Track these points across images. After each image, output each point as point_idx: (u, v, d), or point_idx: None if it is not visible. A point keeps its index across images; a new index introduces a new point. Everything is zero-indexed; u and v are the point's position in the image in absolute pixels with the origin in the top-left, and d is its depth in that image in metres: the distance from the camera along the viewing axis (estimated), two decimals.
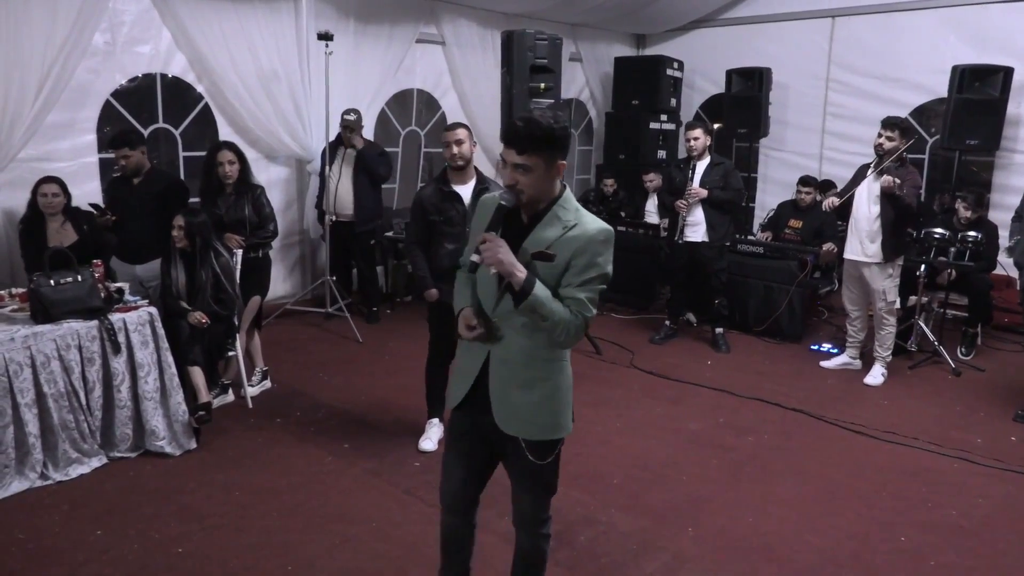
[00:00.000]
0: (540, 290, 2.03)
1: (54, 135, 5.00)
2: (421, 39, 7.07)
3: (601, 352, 5.66)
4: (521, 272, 2.02)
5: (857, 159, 6.02)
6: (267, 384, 4.80)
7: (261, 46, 5.87)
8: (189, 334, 4.09)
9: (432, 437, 4.00)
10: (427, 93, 7.38)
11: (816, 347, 5.85)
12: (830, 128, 7.93)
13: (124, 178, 4.57)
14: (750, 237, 7.03)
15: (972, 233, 5.39)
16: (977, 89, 6.33)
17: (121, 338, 3.75)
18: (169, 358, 3.93)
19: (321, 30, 5.68)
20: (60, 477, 3.56)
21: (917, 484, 3.75)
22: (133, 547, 3.04)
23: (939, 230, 5.44)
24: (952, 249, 5.38)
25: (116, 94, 5.33)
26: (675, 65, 8.49)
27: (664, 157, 8.42)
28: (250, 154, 5.50)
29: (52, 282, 3.61)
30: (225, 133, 5.88)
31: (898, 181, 4.68)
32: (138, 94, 5.51)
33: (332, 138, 6.04)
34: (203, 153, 4.85)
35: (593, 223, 2.10)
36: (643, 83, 8.41)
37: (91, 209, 4.54)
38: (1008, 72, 6.25)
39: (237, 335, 4.43)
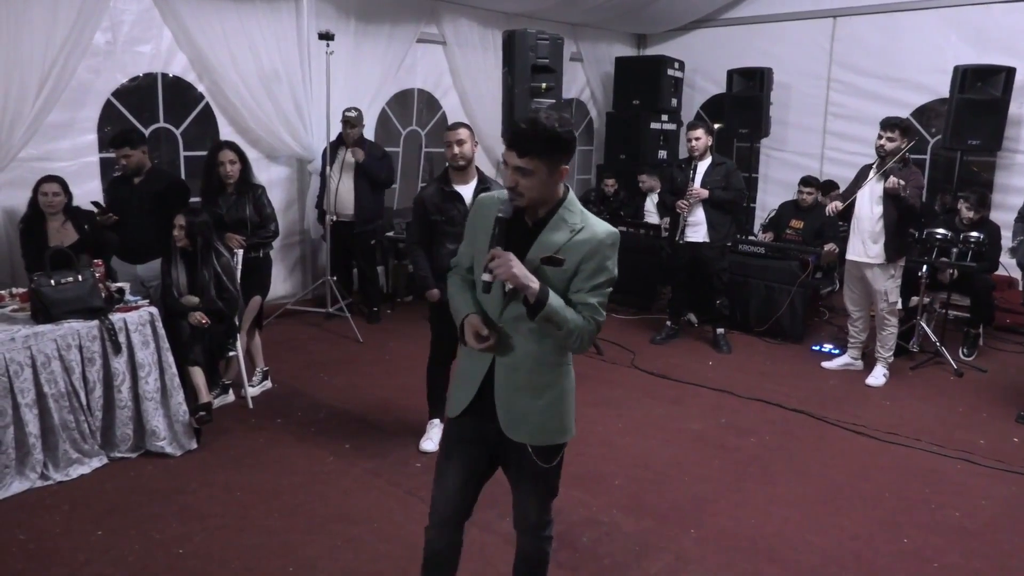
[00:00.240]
0: (554, 299, 2.00)
1: (55, 134, 4.99)
2: (422, 39, 7.06)
3: (602, 352, 5.65)
4: (535, 283, 1.98)
5: (859, 159, 6.02)
6: (268, 384, 4.79)
7: (262, 45, 5.86)
8: (190, 334, 4.08)
9: (433, 438, 3.99)
10: (428, 93, 7.37)
11: (817, 348, 5.84)
12: (831, 128, 7.92)
13: (125, 177, 4.57)
14: (751, 237, 7.02)
15: (974, 234, 5.38)
16: (979, 89, 6.32)
17: (122, 338, 3.74)
18: (170, 358, 3.92)
19: (322, 30, 5.67)
20: (61, 477, 3.55)
21: (919, 485, 3.74)
22: (134, 547, 3.03)
23: (941, 230, 5.43)
24: (954, 250, 5.37)
25: (117, 93, 5.32)
26: (676, 65, 8.48)
27: (665, 157, 8.41)
28: (251, 154, 5.49)
29: (53, 282, 3.60)
30: (226, 133, 5.87)
31: (903, 183, 4.67)
32: (139, 93, 5.50)
33: (333, 138, 6.03)
34: (204, 153, 4.84)
35: (600, 226, 2.08)
36: (644, 83, 8.39)
37: (92, 208, 4.54)
38: (1010, 72, 6.25)
39: (238, 335, 4.42)
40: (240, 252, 4.49)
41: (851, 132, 7.62)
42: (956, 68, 6.38)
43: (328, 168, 6.02)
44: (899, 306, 5.27)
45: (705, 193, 5.53)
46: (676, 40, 9.07)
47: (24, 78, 4.63)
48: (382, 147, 6.31)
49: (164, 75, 5.55)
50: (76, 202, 4.51)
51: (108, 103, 5.28)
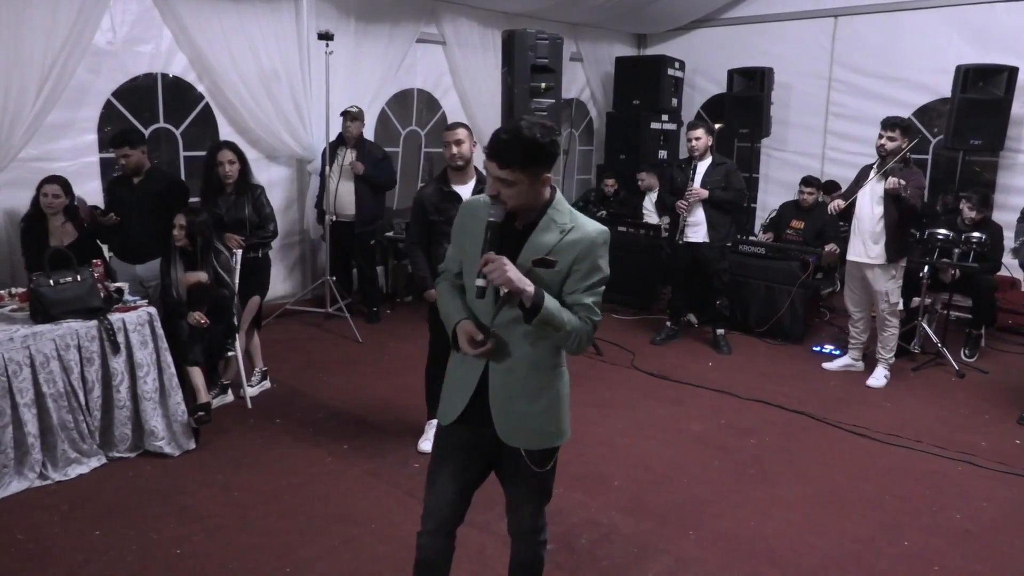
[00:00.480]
0: (550, 302, 1.98)
1: (55, 135, 4.98)
2: (422, 39, 7.05)
3: (602, 353, 5.64)
4: (530, 287, 1.96)
5: (860, 159, 6.00)
6: (267, 384, 4.78)
7: (262, 46, 5.85)
8: (188, 334, 4.08)
9: (432, 438, 3.97)
10: (427, 93, 7.37)
11: (818, 348, 5.82)
12: (832, 128, 7.90)
13: (124, 177, 4.56)
14: (752, 238, 7.01)
15: (976, 234, 5.36)
16: (981, 89, 6.31)
17: (120, 338, 3.73)
18: (168, 358, 3.92)
19: (322, 30, 5.66)
20: (59, 477, 3.55)
21: (921, 487, 3.73)
22: (132, 547, 3.03)
23: (942, 231, 5.41)
24: (956, 250, 5.35)
25: (117, 93, 5.31)
26: (676, 65, 8.46)
27: (665, 157, 8.39)
28: (251, 154, 5.49)
29: (52, 282, 3.60)
30: (226, 133, 5.86)
31: (904, 183, 4.66)
32: (139, 94, 5.50)
33: (333, 138, 6.03)
34: (204, 153, 4.84)
35: (590, 225, 2.06)
36: (644, 83, 8.38)
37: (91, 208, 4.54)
38: (1012, 72, 6.23)
39: (237, 335, 4.42)
40: (239, 252, 4.48)
41: (852, 132, 7.60)
42: (958, 68, 6.36)
43: (328, 168, 6.01)
44: (900, 307, 5.26)
45: (705, 193, 5.52)
46: (676, 40, 9.05)
47: (24, 78, 4.62)
48: (382, 147, 6.30)
49: (164, 75, 5.54)
50: (77, 202, 4.51)
51: (108, 103, 5.28)
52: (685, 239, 5.66)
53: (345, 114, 5.90)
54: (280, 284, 6.38)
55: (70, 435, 3.60)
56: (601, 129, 9.12)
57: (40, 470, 3.52)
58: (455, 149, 3.72)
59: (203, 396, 4.01)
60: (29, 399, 3.45)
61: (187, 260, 4.18)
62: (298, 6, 6.04)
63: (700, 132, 5.58)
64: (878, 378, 5.13)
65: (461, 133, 3.75)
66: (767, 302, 6.13)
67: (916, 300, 5.60)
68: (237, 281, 4.42)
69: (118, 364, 3.74)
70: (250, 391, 4.57)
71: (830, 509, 3.50)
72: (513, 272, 1.96)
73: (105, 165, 5.25)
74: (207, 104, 5.83)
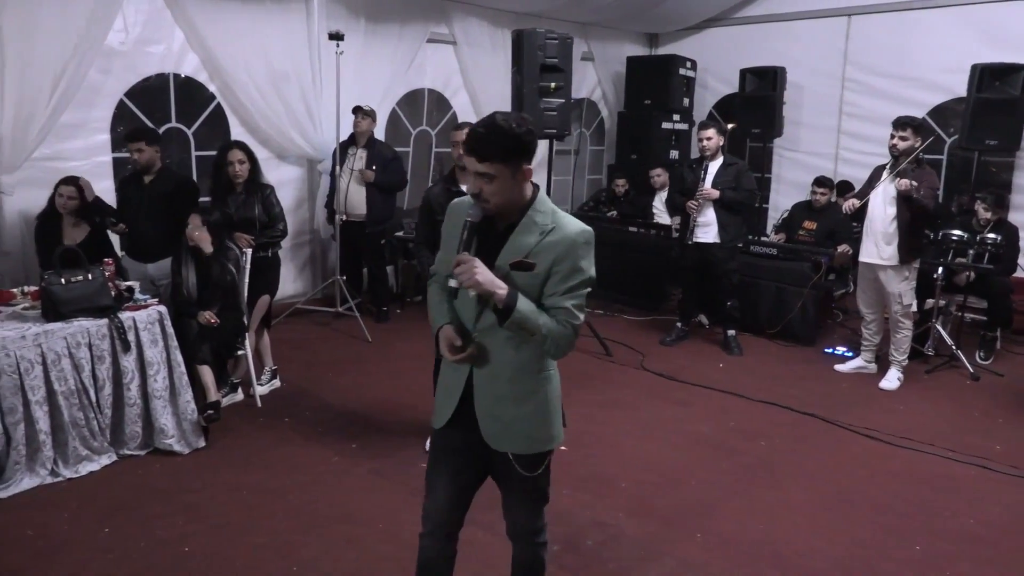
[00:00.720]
0: (524, 304, 1.94)
1: (68, 134, 5.02)
2: (432, 39, 7.06)
3: (611, 353, 5.62)
4: (502, 289, 1.93)
5: (873, 159, 5.94)
6: (276, 383, 4.80)
7: (272, 46, 5.88)
8: (198, 333, 4.10)
9: None
10: (438, 93, 7.37)
11: (830, 350, 5.78)
12: (846, 128, 7.84)
13: (136, 177, 4.59)
14: (763, 238, 6.96)
15: (991, 235, 5.30)
16: (997, 88, 6.22)
17: (131, 336, 3.76)
18: (178, 356, 3.94)
19: (332, 30, 5.67)
20: (70, 474, 3.57)
21: (932, 491, 3.69)
22: (139, 545, 3.04)
23: (957, 232, 5.36)
24: (971, 251, 5.29)
25: (129, 94, 5.35)
26: (688, 64, 8.43)
27: (676, 157, 8.36)
28: (261, 153, 5.51)
29: (63, 280, 3.63)
30: (237, 132, 5.89)
31: (915, 184, 4.61)
32: (151, 94, 5.53)
33: (343, 138, 6.04)
34: (215, 152, 4.86)
35: (572, 225, 2.01)
36: (655, 83, 8.36)
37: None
38: None
39: (246, 334, 4.44)
40: (249, 251, 4.50)
41: (866, 132, 7.53)
42: (973, 67, 6.28)
43: (338, 168, 6.03)
44: (914, 308, 5.21)
45: (716, 193, 5.50)
46: (688, 39, 9.01)
47: (38, 79, 4.66)
48: (392, 147, 6.31)
49: (176, 75, 5.58)
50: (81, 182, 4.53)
51: (121, 103, 5.31)
52: (695, 239, 5.64)
53: (357, 110, 5.91)
54: (290, 283, 6.41)
55: (81, 432, 3.63)
56: (612, 129, 9.10)
57: (51, 467, 3.54)
58: (463, 149, 3.71)
59: (212, 394, 4.04)
60: (41, 396, 3.48)
61: (197, 260, 4.20)
62: (309, 6, 6.06)
63: (711, 132, 5.55)
64: (891, 380, 5.09)
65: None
66: (778, 303, 6.09)
67: (930, 302, 5.54)
68: (247, 280, 4.44)
69: (129, 362, 3.77)
70: (260, 390, 4.59)
71: (838, 512, 3.47)
72: (483, 274, 1.93)
73: (117, 164, 5.29)
74: (218, 104, 5.86)
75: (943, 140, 7.26)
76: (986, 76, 6.23)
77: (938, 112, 7.22)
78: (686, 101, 8.51)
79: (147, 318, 3.83)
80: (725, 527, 3.31)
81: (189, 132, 5.81)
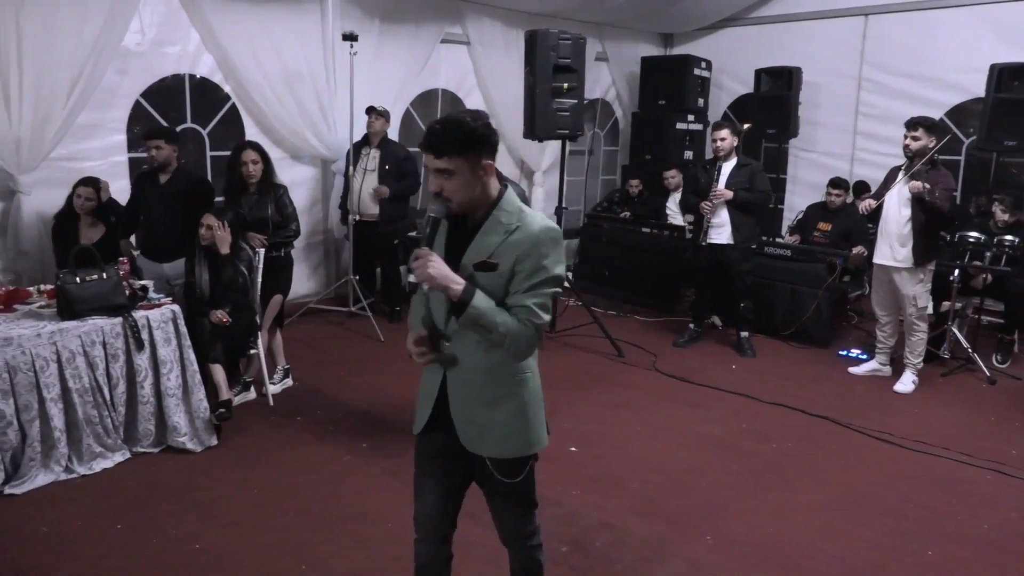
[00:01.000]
0: (480, 301, 1.91)
1: (85, 135, 5.08)
2: (446, 39, 7.07)
3: (623, 354, 5.60)
4: (456, 285, 1.90)
5: (890, 160, 5.90)
6: (289, 382, 4.83)
7: (287, 47, 5.92)
8: (211, 332, 4.13)
9: None
10: (451, 93, 7.38)
11: (844, 353, 5.74)
12: (862, 128, 7.77)
13: (152, 174, 4.63)
14: (777, 239, 6.92)
15: (1009, 237, 5.25)
16: (1016, 88, 6.14)
17: (145, 335, 3.79)
18: (191, 355, 3.97)
19: (347, 30, 5.70)
20: (84, 471, 3.61)
21: (947, 495, 3.65)
22: (151, 542, 3.07)
23: (974, 234, 5.30)
24: (988, 253, 5.23)
25: (145, 94, 5.40)
26: (703, 64, 8.39)
27: (691, 158, 8.32)
28: (275, 154, 5.55)
29: (78, 279, 3.66)
30: (251, 133, 5.93)
31: (928, 186, 4.56)
32: (166, 94, 5.58)
33: (357, 138, 6.07)
34: (229, 152, 4.90)
35: (536, 223, 1.97)
36: (670, 83, 8.32)
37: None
38: None
39: (259, 333, 4.47)
40: (261, 251, 4.53)
41: (882, 133, 7.46)
42: (992, 67, 6.20)
43: (351, 168, 6.05)
44: (929, 311, 5.15)
45: (729, 194, 5.47)
46: (703, 39, 8.97)
47: (55, 80, 4.72)
48: (405, 147, 6.33)
49: (191, 76, 5.63)
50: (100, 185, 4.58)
51: (137, 104, 5.37)
52: (709, 240, 5.61)
53: (370, 110, 5.94)
54: (304, 283, 6.44)
55: (95, 430, 3.67)
56: (626, 129, 9.07)
57: (66, 464, 3.58)
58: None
59: (224, 393, 4.07)
60: (56, 394, 3.52)
61: (211, 259, 4.24)
62: (323, 7, 6.09)
63: (725, 132, 5.52)
64: (906, 383, 5.04)
65: None
66: (792, 305, 6.04)
67: (946, 304, 5.49)
68: (260, 280, 4.47)
69: (142, 361, 3.80)
70: (272, 389, 4.62)
71: (850, 516, 3.44)
72: (436, 269, 1.90)
73: (133, 164, 5.34)
74: (233, 104, 5.91)
75: (961, 141, 7.18)
76: (1005, 76, 6.16)
77: (956, 112, 7.14)
78: (701, 101, 8.47)
79: (161, 317, 3.87)
80: (735, 529, 3.30)
81: (204, 132, 5.86)
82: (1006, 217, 5.49)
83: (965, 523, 3.40)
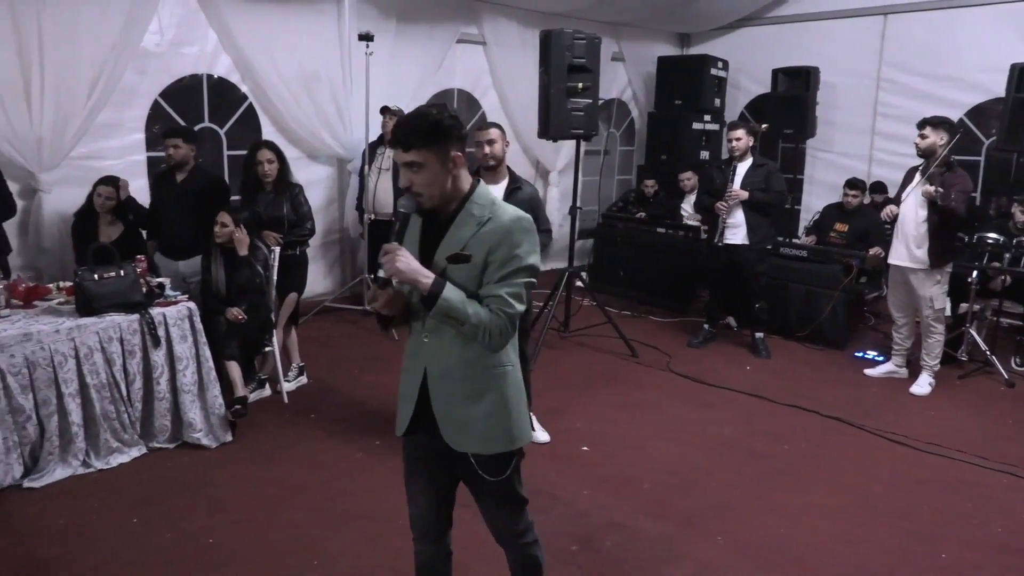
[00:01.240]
0: (451, 293, 1.91)
1: (104, 134, 5.16)
2: (462, 39, 7.10)
3: (637, 354, 5.59)
4: (426, 278, 1.91)
5: (908, 161, 5.82)
6: (303, 380, 4.87)
7: (303, 47, 5.97)
8: (226, 329, 4.17)
9: None
10: (467, 93, 7.40)
11: (860, 354, 5.69)
12: (880, 129, 7.71)
13: (169, 174, 4.69)
14: (794, 240, 6.88)
15: None
16: None
17: (161, 332, 3.84)
18: (207, 352, 4.02)
19: (363, 31, 5.74)
20: (101, 465, 3.66)
21: (961, 499, 3.61)
22: (166, 536, 3.11)
23: (993, 235, 5.25)
24: (1007, 255, 5.17)
25: (163, 94, 5.47)
26: (719, 64, 8.35)
27: (707, 158, 8.29)
28: (292, 153, 5.59)
29: (96, 276, 3.72)
30: (268, 132, 5.99)
31: (940, 191, 4.52)
32: (184, 94, 5.65)
33: (373, 138, 6.10)
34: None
35: (509, 213, 1.98)
36: (686, 83, 8.29)
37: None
38: None
39: (274, 331, 4.50)
40: (277, 249, 4.57)
41: (901, 133, 7.36)
42: (1013, 66, 6.13)
43: (367, 168, 6.09)
44: (947, 313, 5.10)
45: (745, 194, 5.44)
46: (720, 39, 8.93)
47: (76, 80, 4.80)
48: None
49: (209, 76, 5.69)
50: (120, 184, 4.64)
51: (155, 103, 5.44)
52: (724, 241, 5.59)
53: (385, 110, 5.97)
54: (319, 281, 6.49)
55: (112, 425, 3.72)
56: (642, 129, 9.05)
57: (83, 458, 3.64)
58: (487, 149, 3.74)
59: (239, 390, 4.11)
60: (74, 389, 3.58)
61: (227, 257, 4.28)
62: (340, 8, 6.14)
63: (740, 132, 5.50)
64: (922, 386, 4.99)
65: (493, 133, 3.77)
66: (808, 306, 6.00)
67: (964, 306, 5.43)
68: (275, 278, 4.51)
69: (158, 357, 3.85)
70: (287, 386, 4.66)
71: (862, 518, 3.41)
72: (404, 263, 1.91)
73: (151, 163, 5.42)
74: (250, 104, 5.97)
75: (981, 141, 7.10)
76: None
77: (976, 113, 7.07)
78: (717, 101, 8.43)
79: (177, 314, 3.91)
80: (746, 530, 3.28)
81: (221, 132, 5.92)
82: None
83: (979, 526, 3.36)
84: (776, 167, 5.73)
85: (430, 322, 2.01)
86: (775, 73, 7.83)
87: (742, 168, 5.53)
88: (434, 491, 2.19)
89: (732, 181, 5.50)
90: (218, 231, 4.22)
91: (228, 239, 4.23)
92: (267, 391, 4.65)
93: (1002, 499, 3.62)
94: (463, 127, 2.00)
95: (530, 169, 7.99)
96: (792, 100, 7.68)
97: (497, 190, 3.77)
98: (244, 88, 5.89)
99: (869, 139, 7.79)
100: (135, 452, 3.80)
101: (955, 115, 5.95)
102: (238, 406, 4.04)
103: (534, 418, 4.15)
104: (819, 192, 8.12)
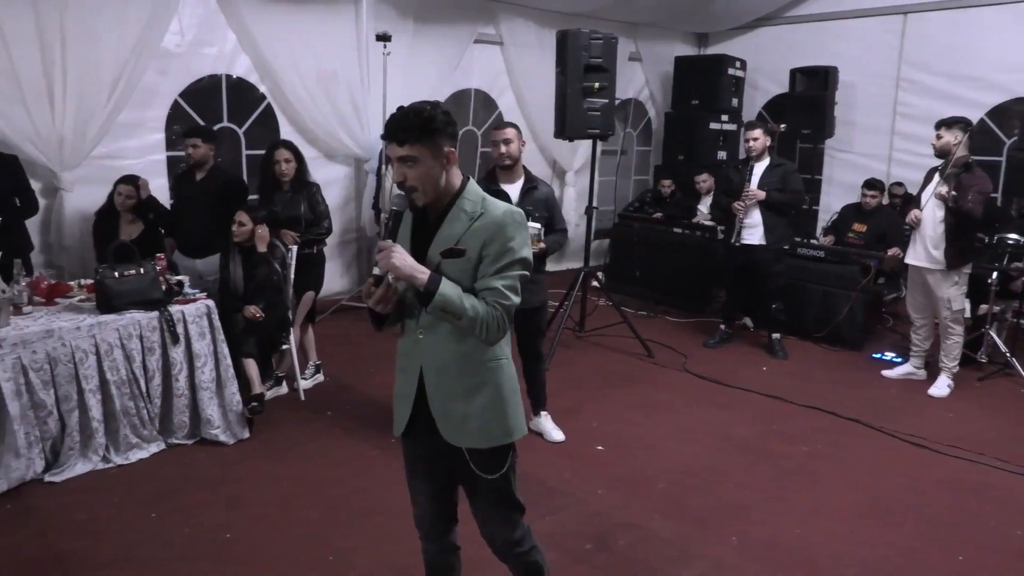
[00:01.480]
0: (447, 288, 1.92)
1: (124, 134, 5.22)
2: (479, 39, 7.12)
3: (653, 355, 5.58)
4: (422, 274, 1.93)
5: (928, 161, 5.76)
6: (320, 378, 4.90)
7: (321, 47, 6.01)
8: (244, 327, 4.21)
9: None
10: (484, 93, 7.42)
11: (878, 356, 5.64)
12: (900, 129, 7.64)
13: (188, 174, 4.74)
14: (811, 240, 6.83)
15: None
16: None
17: (180, 329, 3.88)
18: (225, 349, 4.05)
19: (380, 31, 5.76)
20: (121, 461, 3.71)
21: (979, 501, 3.57)
22: (183, 531, 3.15)
23: (1013, 235, 5.19)
24: None
25: (183, 94, 5.53)
26: (737, 64, 8.31)
27: (724, 158, 8.25)
28: (309, 153, 5.63)
29: (116, 274, 3.77)
30: (286, 132, 6.03)
31: (954, 193, 4.48)
32: (204, 94, 5.71)
33: None
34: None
35: (499, 208, 2.00)
36: (704, 83, 8.26)
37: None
38: None
39: (291, 329, 4.54)
40: (294, 248, 4.61)
41: (921, 133, 7.26)
42: None
43: (384, 167, 6.12)
44: (967, 314, 5.05)
45: (762, 194, 5.42)
46: (738, 39, 8.89)
47: (97, 80, 4.87)
48: None
49: (228, 76, 5.75)
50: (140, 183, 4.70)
51: (175, 103, 5.49)
52: (741, 241, 5.56)
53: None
54: (336, 280, 6.53)
55: (131, 421, 3.77)
56: (659, 129, 9.03)
57: (103, 453, 3.69)
58: (503, 148, 3.75)
59: (257, 387, 4.15)
60: (94, 385, 3.63)
61: (244, 256, 4.32)
62: (357, 8, 6.17)
63: (758, 132, 5.48)
64: (940, 387, 4.94)
65: (509, 132, 3.78)
66: (825, 307, 5.96)
67: (984, 307, 5.37)
68: (292, 276, 4.54)
69: (177, 354, 3.89)
70: (303, 384, 4.69)
71: (879, 519, 3.39)
72: (399, 259, 1.92)
73: (171, 163, 5.47)
74: (269, 104, 6.02)
75: (1002, 142, 7.02)
76: None
77: (997, 113, 6.99)
78: (735, 101, 8.39)
79: (195, 312, 3.95)
80: (761, 531, 3.27)
81: (240, 131, 5.98)
82: None
83: (997, 529, 3.33)
84: (794, 167, 5.70)
85: (425, 318, 2.03)
86: (793, 73, 7.79)
87: (759, 168, 5.51)
88: (434, 490, 2.20)
89: (749, 181, 5.48)
90: (236, 230, 4.26)
91: (246, 238, 4.27)
92: (284, 388, 4.69)
93: (1021, 502, 3.58)
94: (455, 124, 2.03)
95: (547, 169, 7.99)
96: (810, 100, 7.63)
97: (513, 189, 3.79)
98: (263, 88, 5.94)
99: (888, 139, 7.73)
100: (154, 448, 3.84)
101: (975, 115, 5.88)
102: (255, 403, 4.07)
103: (549, 417, 4.16)
104: (837, 192, 8.06)
